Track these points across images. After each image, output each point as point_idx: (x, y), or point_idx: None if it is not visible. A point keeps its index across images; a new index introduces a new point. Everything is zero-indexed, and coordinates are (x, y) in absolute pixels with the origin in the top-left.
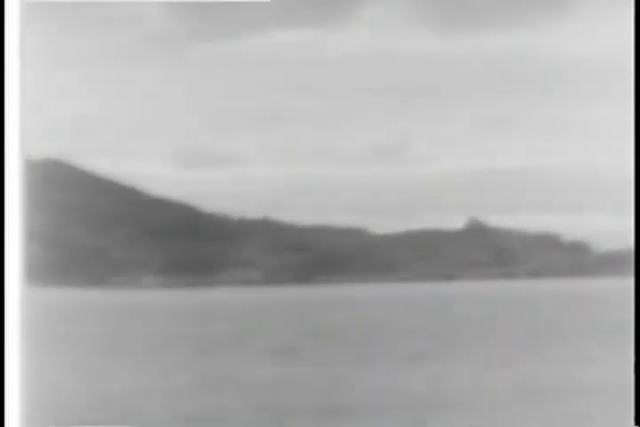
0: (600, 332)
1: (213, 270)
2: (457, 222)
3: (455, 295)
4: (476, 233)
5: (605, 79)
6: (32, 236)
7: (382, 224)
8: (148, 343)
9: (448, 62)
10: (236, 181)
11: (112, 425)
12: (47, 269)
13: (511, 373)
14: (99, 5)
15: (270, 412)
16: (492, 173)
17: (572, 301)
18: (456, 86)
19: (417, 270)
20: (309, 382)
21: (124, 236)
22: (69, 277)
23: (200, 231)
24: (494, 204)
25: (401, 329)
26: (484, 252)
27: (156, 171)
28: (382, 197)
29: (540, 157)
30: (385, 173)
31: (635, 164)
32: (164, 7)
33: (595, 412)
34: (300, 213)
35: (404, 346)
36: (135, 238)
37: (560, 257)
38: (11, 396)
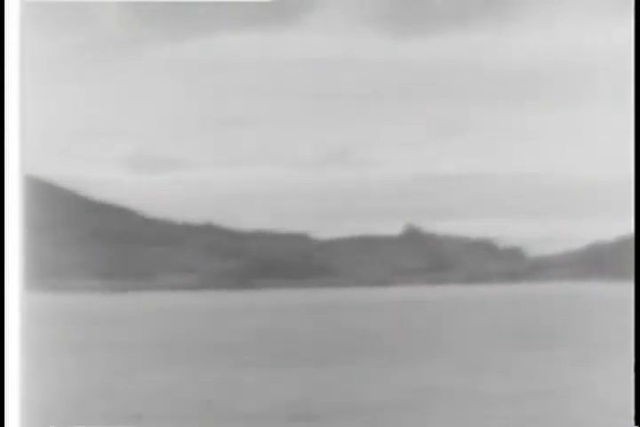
0: (527, 336)
1: (150, 275)
2: (396, 228)
3: (385, 301)
4: (413, 239)
5: (560, 85)
6: None
7: (324, 230)
8: (51, 347)
9: (399, 67)
10: (182, 185)
11: (112, 425)
12: None
13: (405, 380)
14: (51, 6)
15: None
16: (435, 179)
17: (503, 305)
18: (407, 91)
19: (353, 276)
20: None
21: (61, 239)
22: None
23: (141, 236)
24: (434, 209)
25: (306, 336)
26: (419, 257)
27: (101, 174)
28: (326, 203)
29: (485, 164)
30: (331, 178)
31: (635, 166)
32: (116, 9)
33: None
34: (244, 218)
35: (305, 353)
36: (72, 242)
37: (494, 262)
38: (11, 396)
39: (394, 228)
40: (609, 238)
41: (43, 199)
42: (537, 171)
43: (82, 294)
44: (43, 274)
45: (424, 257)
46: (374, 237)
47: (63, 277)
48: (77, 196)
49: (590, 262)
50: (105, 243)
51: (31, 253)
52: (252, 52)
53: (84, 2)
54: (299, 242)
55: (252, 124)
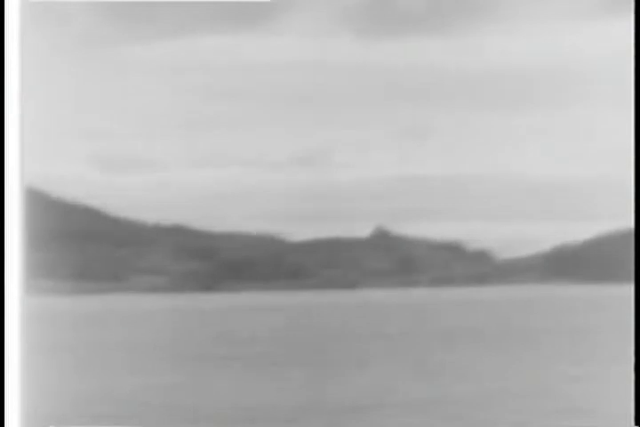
0: (496, 338)
1: (118, 277)
2: (365, 230)
3: (352, 304)
4: (383, 241)
5: (530, 89)
6: None
7: (294, 232)
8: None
9: (370, 70)
10: (154, 185)
11: (112, 425)
12: None
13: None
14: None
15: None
16: (406, 181)
17: (469, 307)
18: (378, 94)
19: (321, 278)
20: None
21: (30, 239)
22: None
23: (111, 237)
24: (404, 212)
25: (270, 338)
26: (388, 260)
27: (72, 174)
28: (297, 204)
29: (454, 167)
30: (302, 180)
31: (634, 168)
32: (88, 9)
33: None
34: (215, 220)
35: (264, 353)
36: (42, 242)
37: (462, 265)
38: (11, 396)
39: (364, 230)
40: (575, 241)
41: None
42: (505, 173)
43: (50, 295)
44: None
45: (393, 260)
46: (344, 239)
47: (32, 278)
48: (48, 195)
49: (556, 265)
50: (74, 244)
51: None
52: (226, 54)
53: (58, 1)
54: (269, 244)
55: (225, 125)
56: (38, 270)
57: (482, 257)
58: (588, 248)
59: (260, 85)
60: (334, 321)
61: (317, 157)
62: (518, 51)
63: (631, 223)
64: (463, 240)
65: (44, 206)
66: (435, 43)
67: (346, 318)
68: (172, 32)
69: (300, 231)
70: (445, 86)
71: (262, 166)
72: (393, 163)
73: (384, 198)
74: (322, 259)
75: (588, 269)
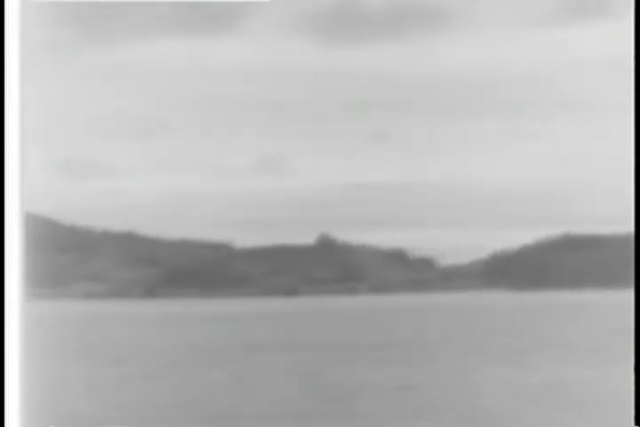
0: (429, 346)
1: (64, 283)
2: (310, 237)
3: (291, 311)
4: (327, 248)
5: (489, 94)
6: None
7: (244, 239)
8: None
9: (328, 76)
10: (106, 192)
11: (112, 425)
12: None
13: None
14: None
15: None
16: (358, 189)
17: (407, 315)
18: (336, 101)
19: (265, 286)
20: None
21: None
22: None
23: (55, 243)
24: (352, 220)
25: (205, 346)
26: (331, 267)
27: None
28: (250, 212)
29: (409, 174)
30: (257, 187)
31: (634, 171)
32: (48, 11)
33: None
34: (166, 227)
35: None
36: None
37: (404, 272)
38: (11, 396)
39: (308, 237)
40: (512, 248)
41: None
42: (451, 181)
43: None
44: None
45: (336, 267)
46: (289, 246)
47: None
48: None
49: (494, 272)
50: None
51: None
52: (183, 58)
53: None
54: (218, 251)
55: (182, 131)
56: None
57: (423, 264)
58: (526, 254)
59: (218, 91)
60: (270, 329)
61: (273, 165)
62: (482, 57)
63: (572, 229)
64: (406, 247)
65: None
66: (397, 49)
67: (277, 327)
68: (127, 35)
69: (248, 238)
70: (408, 93)
71: (218, 173)
72: (348, 170)
73: (333, 206)
74: (267, 266)
75: (525, 275)
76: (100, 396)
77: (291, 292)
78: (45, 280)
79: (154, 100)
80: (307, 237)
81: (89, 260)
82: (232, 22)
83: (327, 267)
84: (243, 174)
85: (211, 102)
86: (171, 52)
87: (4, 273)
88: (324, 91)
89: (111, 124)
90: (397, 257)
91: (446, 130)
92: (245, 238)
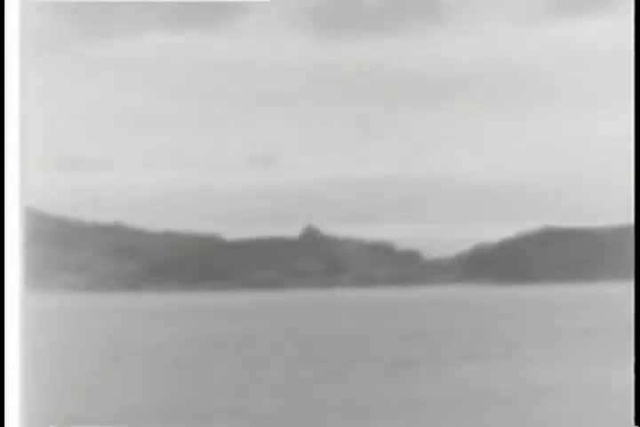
0: (405, 341)
1: (47, 274)
2: (296, 231)
3: (275, 304)
4: (313, 241)
5: (481, 91)
6: None
7: (231, 232)
8: None
9: (323, 71)
10: (98, 185)
11: (111, 425)
12: None
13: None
14: None
15: None
16: (346, 183)
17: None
18: (334, 95)
19: (249, 279)
20: None
21: None
22: None
23: (41, 234)
24: (339, 213)
25: (184, 340)
26: (316, 260)
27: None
28: (238, 206)
29: (399, 168)
30: (247, 181)
31: (634, 165)
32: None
33: None
34: (155, 219)
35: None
36: None
37: (389, 265)
38: (11, 396)
39: (295, 231)
40: (492, 241)
41: None
42: (438, 175)
43: None
44: None
45: (321, 260)
46: (275, 239)
47: None
48: None
49: (476, 265)
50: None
51: None
52: (180, 53)
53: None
54: (204, 243)
55: (174, 125)
56: None
57: (410, 257)
58: (506, 248)
59: (213, 85)
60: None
61: (264, 159)
62: (478, 51)
63: (552, 222)
64: (392, 241)
65: None
66: (393, 43)
67: (263, 320)
68: (126, 30)
69: (235, 231)
70: (400, 87)
71: (209, 167)
72: (338, 165)
73: (319, 199)
74: (251, 259)
75: (505, 268)
76: (83, 393)
77: (275, 285)
78: (33, 272)
79: (142, 94)
80: (292, 231)
81: (73, 252)
82: (230, 17)
83: (312, 260)
84: (230, 168)
85: (199, 97)
86: (169, 47)
87: (4, 268)
88: (322, 85)
89: (100, 119)
90: (383, 250)
91: (435, 124)
92: (233, 231)
